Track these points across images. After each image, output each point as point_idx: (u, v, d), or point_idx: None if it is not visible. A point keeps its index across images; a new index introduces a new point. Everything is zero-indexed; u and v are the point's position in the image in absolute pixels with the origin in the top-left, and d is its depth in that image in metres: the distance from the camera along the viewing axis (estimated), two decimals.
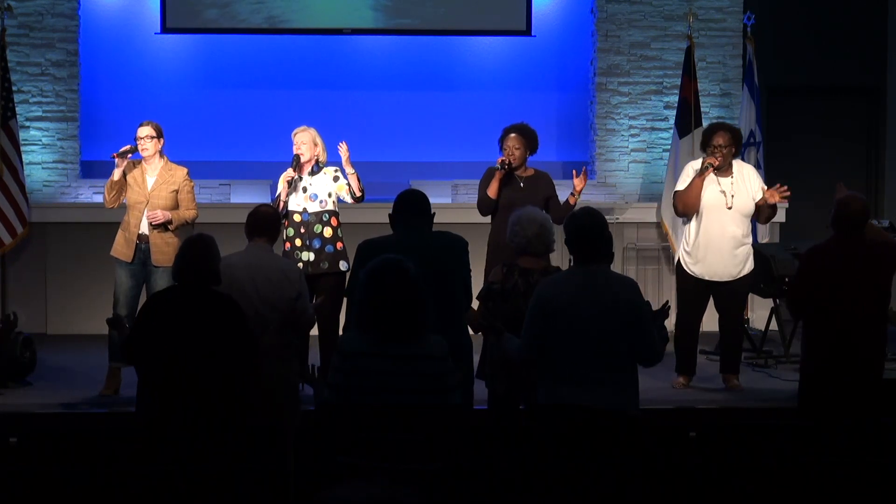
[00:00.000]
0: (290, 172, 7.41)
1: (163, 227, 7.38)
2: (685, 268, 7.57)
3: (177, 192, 7.48)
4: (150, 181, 7.46)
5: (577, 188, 7.62)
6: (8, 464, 6.15)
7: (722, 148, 7.45)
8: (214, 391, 5.20)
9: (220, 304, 5.34)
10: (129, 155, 7.47)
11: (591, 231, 5.04)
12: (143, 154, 7.45)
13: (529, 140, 7.68)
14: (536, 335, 5.02)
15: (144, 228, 7.40)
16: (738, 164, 7.61)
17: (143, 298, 7.52)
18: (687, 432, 6.15)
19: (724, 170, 7.48)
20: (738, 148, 7.67)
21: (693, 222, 7.54)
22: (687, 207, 7.51)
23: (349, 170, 7.39)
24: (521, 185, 7.61)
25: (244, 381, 5.34)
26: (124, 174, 7.44)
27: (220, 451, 5.17)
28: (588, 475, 4.90)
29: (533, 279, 5.85)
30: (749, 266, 7.59)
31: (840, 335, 6.11)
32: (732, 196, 7.46)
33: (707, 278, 7.53)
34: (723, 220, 7.46)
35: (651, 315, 5.11)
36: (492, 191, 7.54)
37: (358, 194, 7.45)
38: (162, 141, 7.52)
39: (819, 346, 6.20)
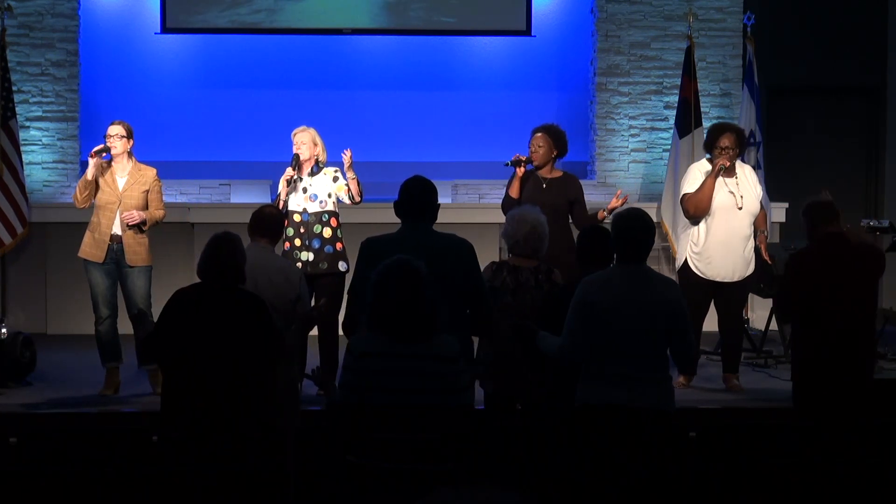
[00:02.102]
0: (289, 172, 7.41)
1: (137, 227, 7.35)
2: (692, 268, 7.55)
3: (147, 192, 7.45)
4: (121, 182, 7.41)
5: (611, 206, 7.52)
6: (8, 464, 6.15)
7: (729, 149, 7.46)
8: (242, 391, 5.14)
9: (247, 302, 5.28)
10: (103, 154, 7.45)
11: (636, 232, 5.04)
12: (112, 153, 7.41)
13: (555, 140, 7.56)
14: (585, 336, 4.99)
15: (117, 229, 7.34)
16: (738, 165, 7.63)
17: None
18: (687, 432, 6.14)
19: (729, 170, 7.50)
20: (743, 148, 7.71)
21: (702, 223, 7.54)
22: (699, 210, 7.49)
23: (350, 174, 7.38)
24: (544, 185, 7.52)
25: (269, 380, 5.29)
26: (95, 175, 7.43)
27: (244, 450, 5.14)
28: (637, 476, 4.89)
29: (522, 277, 5.86)
30: (753, 266, 7.61)
31: (829, 337, 6.11)
32: (741, 196, 7.48)
33: (715, 279, 7.53)
34: (733, 220, 7.47)
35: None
36: (513, 190, 7.46)
37: (357, 199, 7.44)
38: (131, 142, 7.45)
39: (809, 349, 6.20)
